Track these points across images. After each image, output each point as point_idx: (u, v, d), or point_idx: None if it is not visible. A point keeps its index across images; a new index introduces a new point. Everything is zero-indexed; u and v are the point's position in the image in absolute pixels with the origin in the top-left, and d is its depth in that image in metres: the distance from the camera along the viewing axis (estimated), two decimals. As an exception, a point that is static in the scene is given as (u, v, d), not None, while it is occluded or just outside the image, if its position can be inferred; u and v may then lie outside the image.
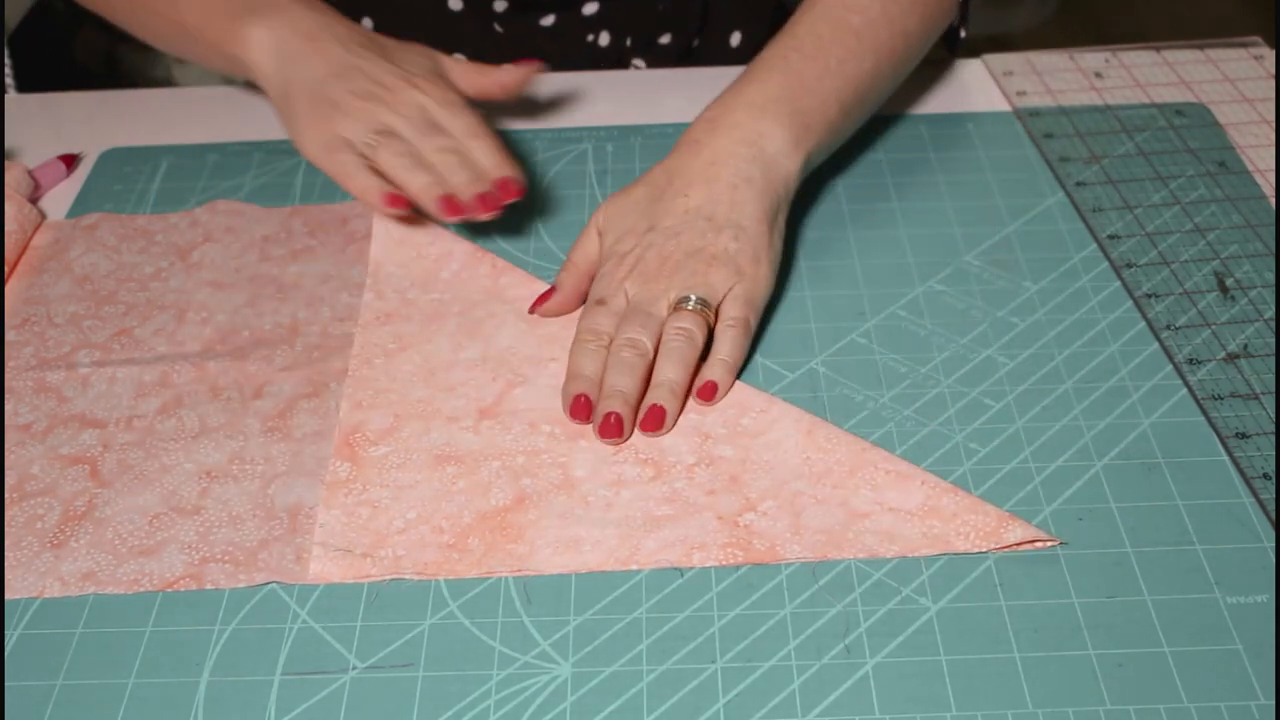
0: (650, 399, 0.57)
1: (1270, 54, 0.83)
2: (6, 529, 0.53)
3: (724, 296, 0.59)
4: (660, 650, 0.48)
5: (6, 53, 0.96)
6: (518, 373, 0.60)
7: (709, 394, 0.57)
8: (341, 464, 0.56)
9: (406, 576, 0.51)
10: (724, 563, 0.51)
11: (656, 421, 0.56)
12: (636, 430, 0.57)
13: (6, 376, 0.61)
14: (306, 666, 0.48)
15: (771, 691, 0.47)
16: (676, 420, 0.57)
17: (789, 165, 0.64)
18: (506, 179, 0.64)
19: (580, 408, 0.57)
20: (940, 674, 0.47)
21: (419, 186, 0.63)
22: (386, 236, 0.68)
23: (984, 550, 0.51)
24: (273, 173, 0.75)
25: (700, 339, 0.58)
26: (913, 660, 0.48)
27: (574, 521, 0.53)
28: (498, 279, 0.65)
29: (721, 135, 0.64)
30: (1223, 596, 0.49)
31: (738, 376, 0.59)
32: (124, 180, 0.75)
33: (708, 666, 0.48)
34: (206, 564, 0.52)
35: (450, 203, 0.63)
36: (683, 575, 0.51)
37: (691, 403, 0.58)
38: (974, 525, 0.51)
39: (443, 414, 0.58)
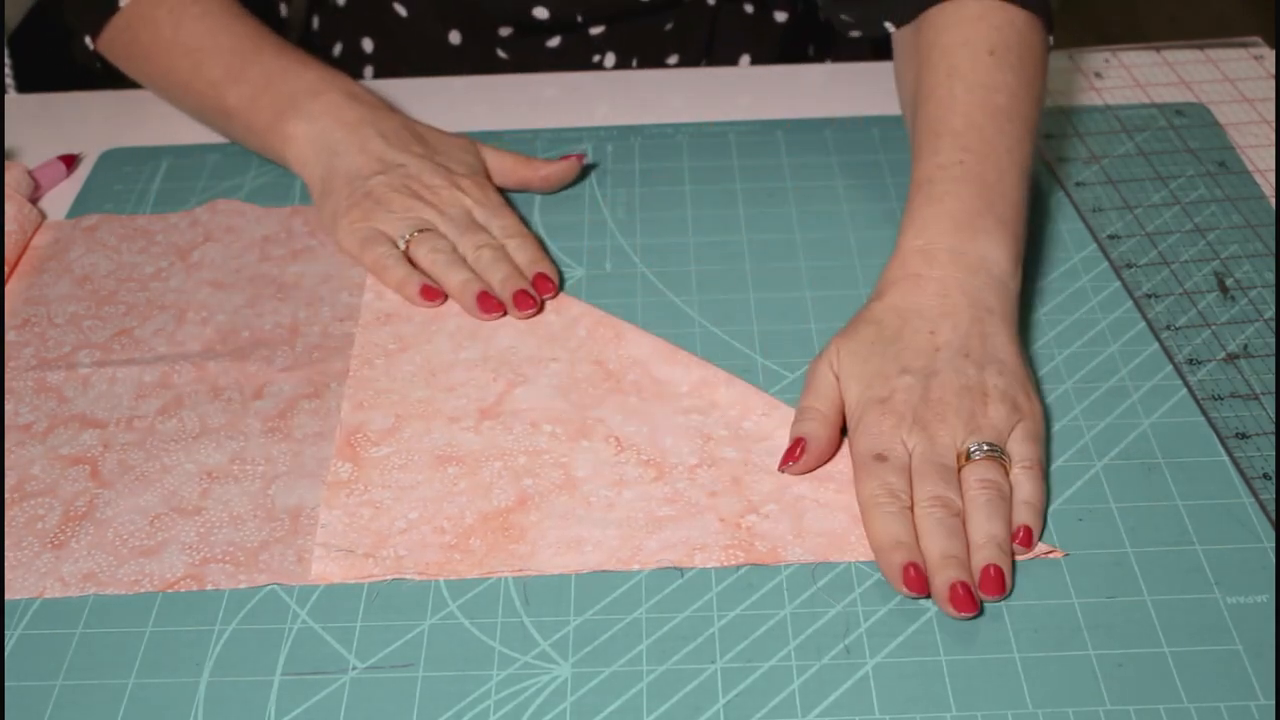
0: (983, 559, 0.50)
1: (1270, 54, 0.83)
2: (6, 530, 0.53)
3: (1009, 437, 0.54)
4: (660, 650, 0.48)
5: (6, 53, 0.96)
6: (518, 373, 0.60)
7: (1027, 541, 0.51)
8: (343, 464, 0.56)
9: (408, 577, 0.51)
10: (725, 563, 0.51)
11: (997, 585, 0.50)
12: (641, 433, 0.57)
13: (6, 376, 0.61)
14: (306, 666, 0.48)
15: (771, 691, 0.47)
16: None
17: (1015, 285, 0.60)
18: (542, 275, 0.64)
19: (914, 580, 0.50)
20: (940, 674, 0.47)
21: (457, 283, 0.64)
22: None
23: None
24: (273, 173, 0.75)
25: (1005, 486, 0.53)
26: (913, 660, 0.48)
27: (575, 522, 0.53)
28: None
29: (943, 265, 0.59)
30: (1223, 596, 0.49)
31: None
32: (124, 180, 0.75)
33: (708, 666, 0.48)
34: (207, 564, 0.52)
35: (487, 300, 0.63)
36: (683, 575, 0.51)
37: (694, 403, 0.58)
38: None
39: (444, 414, 0.58)
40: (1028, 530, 0.52)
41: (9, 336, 0.63)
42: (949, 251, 0.59)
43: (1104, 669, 0.47)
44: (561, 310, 0.64)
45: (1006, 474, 0.53)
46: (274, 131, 0.70)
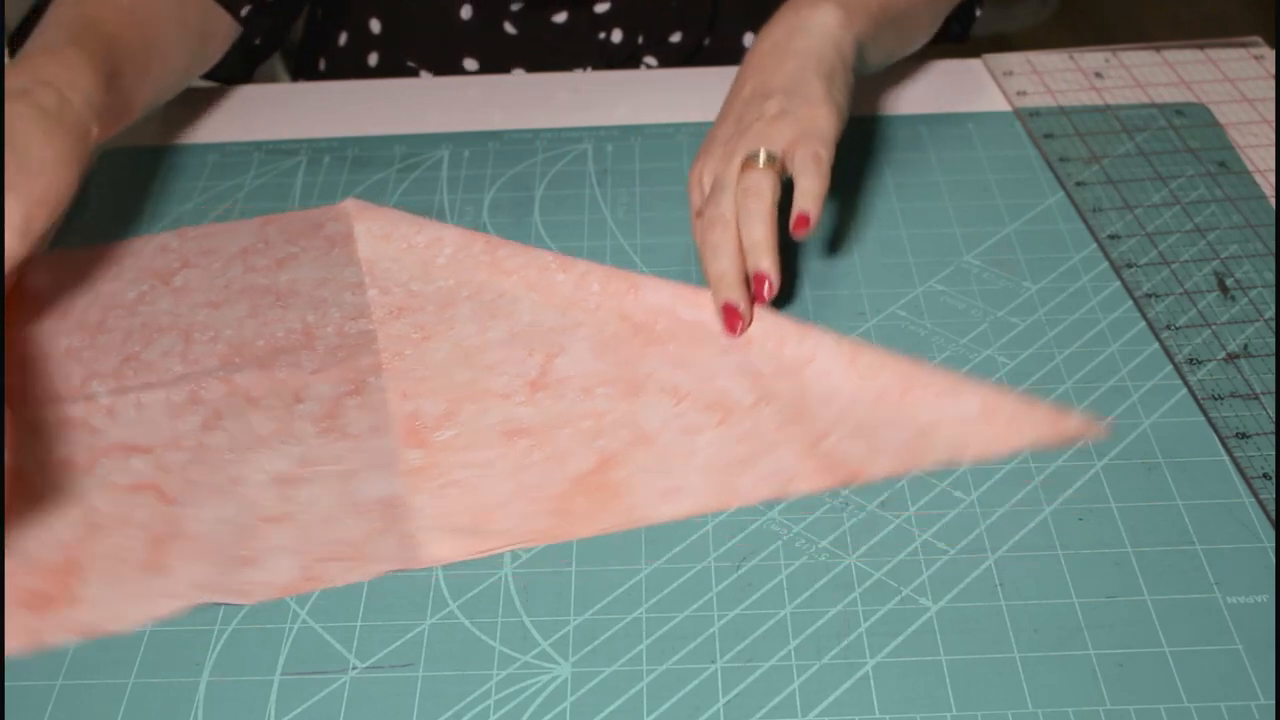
0: (750, 265, 0.58)
1: (1270, 54, 0.83)
2: (93, 565, 0.51)
3: (794, 144, 0.60)
4: (660, 650, 0.48)
5: (6, 53, 0.96)
6: (552, 343, 0.60)
7: (802, 226, 0.58)
8: (412, 452, 0.56)
9: (523, 546, 0.52)
10: (818, 488, 0.53)
11: (763, 286, 0.58)
12: (693, 380, 0.58)
13: (25, 414, 0.59)
14: (306, 666, 0.48)
15: (771, 691, 0.47)
16: (779, 274, 0.58)
17: (839, 32, 0.65)
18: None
19: (730, 321, 0.59)
20: (940, 674, 0.47)
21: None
22: (369, 234, 0.68)
23: (1049, 445, 0.55)
24: (273, 173, 0.75)
25: (769, 188, 0.58)
26: (913, 660, 0.48)
27: (664, 473, 0.54)
28: (494, 254, 0.65)
29: (772, 26, 0.66)
30: (1223, 596, 0.49)
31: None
32: (124, 180, 0.75)
33: (708, 666, 0.48)
34: (321, 563, 0.51)
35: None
36: (683, 575, 0.51)
37: (731, 341, 0.59)
38: (1034, 420, 0.55)
39: (493, 392, 0.58)
40: (802, 216, 0.58)
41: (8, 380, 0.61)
42: (779, 16, 0.66)
43: (1104, 669, 0.47)
44: (568, 269, 0.63)
45: (777, 179, 0.59)
46: None
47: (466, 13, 0.85)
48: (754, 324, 0.59)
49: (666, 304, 0.61)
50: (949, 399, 0.55)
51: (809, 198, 0.58)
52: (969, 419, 0.55)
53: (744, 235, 0.58)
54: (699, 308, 0.60)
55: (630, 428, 0.56)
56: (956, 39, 0.85)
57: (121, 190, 0.74)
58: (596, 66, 0.87)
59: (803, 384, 0.57)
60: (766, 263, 0.57)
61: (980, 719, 0.46)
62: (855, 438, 0.54)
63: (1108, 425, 0.55)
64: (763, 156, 0.59)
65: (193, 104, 0.82)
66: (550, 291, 0.63)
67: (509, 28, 0.86)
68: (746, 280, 0.59)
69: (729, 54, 0.89)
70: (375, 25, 0.88)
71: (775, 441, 0.54)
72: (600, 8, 0.85)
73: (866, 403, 0.56)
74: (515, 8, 0.85)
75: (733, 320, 0.59)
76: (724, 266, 0.58)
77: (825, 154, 0.59)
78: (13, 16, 0.92)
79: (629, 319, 0.61)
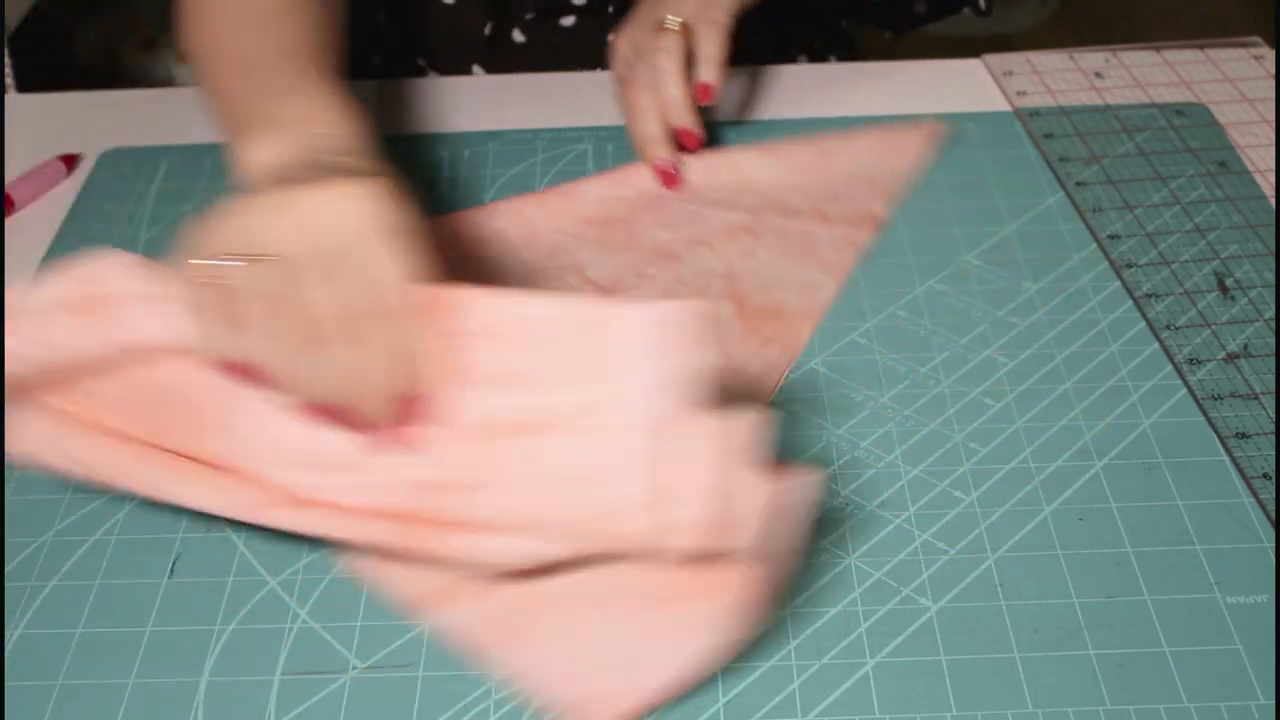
0: (670, 121, 0.65)
1: (1270, 54, 0.83)
2: None
3: (693, 14, 0.66)
4: (660, 650, 0.48)
5: (6, 53, 0.96)
6: (563, 265, 0.63)
7: (706, 95, 0.65)
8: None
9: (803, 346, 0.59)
10: (877, 228, 0.63)
11: (690, 139, 0.65)
12: (696, 230, 0.64)
13: None
14: (306, 666, 0.48)
15: (771, 691, 0.47)
16: (702, 128, 0.65)
17: None
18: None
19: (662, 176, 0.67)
20: (940, 674, 0.47)
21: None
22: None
23: (926, 151, 0.69)
24: (273, 173, 0.75)
25: (676, 48, 0.64)
26: (913, 660, 0.48)
27: (781, 282, 0.60)
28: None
29: None
30: (1223, 596, 0.49)
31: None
32: (124, 180, 0.75)
33: (708, 666, 0.48)
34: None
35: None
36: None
37: (681, 194, 0.67)
38: (904, 134, 0.69)
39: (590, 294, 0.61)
40: (703, 86, 0.65)
41: None
42: None
43: (1104, 669, 0.47)
44: (498, 214, 0.66)
45: (684, 41, 0.65)
46: None
47: (488, 30, 0.85)
48: (693, 175, 0.66)
49: (608, 192, 0.66)
50: (850, 146, 0.67)
51: (709, 64, 0.65)
52: (874, 151, 0.67)
53: (660, 94, 0.64)
54: (630, 183, 0.66)
55: (708, 274, 0.61)
56: (981, 13, 0.85)
57: (121, 190, 0.74)
58: (604, 68, 0.87)
59: (761, 189, 0.64)
60: (684, 118, 0.64)
61: (980, 719, 0.46)
62: (839, 201, 0.63)
63: (944, 126, 0.70)
64: (669, 21, 0.65)
65: (193, 104, 0.82)
66: (502, 240, 0.65)
67: (518, 35, 0.86)
68: (673, 137, 0.66)
69: (736, 55, 0.89)
70: (383, 20, 0.88)
71: (808, 225, 0.62)
72: (607, 11, 0.85)
73: (806, 176, 0.64)
74: (528, 17, 0.85)
75: (667, 176, 0.66)
76: (650, 128, 0.65)
77: (723, 19, 0.66)
78: (13, 16, 0.92)
79: (593, 221, 0.65)
